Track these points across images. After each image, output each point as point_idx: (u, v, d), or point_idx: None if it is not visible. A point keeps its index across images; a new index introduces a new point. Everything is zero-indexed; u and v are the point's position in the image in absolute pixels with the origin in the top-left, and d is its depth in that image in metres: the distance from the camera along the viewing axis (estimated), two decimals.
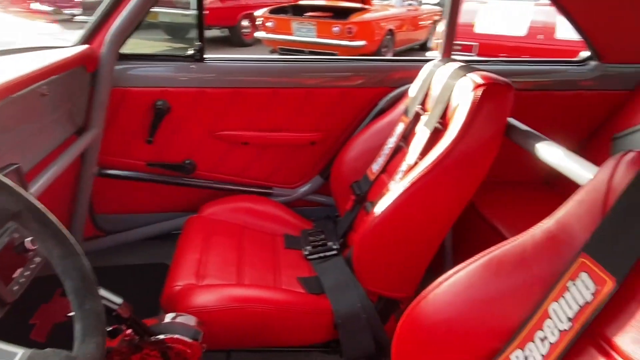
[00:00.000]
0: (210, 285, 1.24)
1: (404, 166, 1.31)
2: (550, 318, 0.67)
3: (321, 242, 1.51)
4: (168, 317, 1.06)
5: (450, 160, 1.14)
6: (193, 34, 1.65)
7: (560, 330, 0.65)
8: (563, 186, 1.77)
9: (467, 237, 1.56)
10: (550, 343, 0.66)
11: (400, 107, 1.52)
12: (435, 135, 1.25)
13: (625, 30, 1.66)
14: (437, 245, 1.24)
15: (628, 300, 0.60)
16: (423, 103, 1.40)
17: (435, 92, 1.34)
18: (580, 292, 0.65)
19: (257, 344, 1.22)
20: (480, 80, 1.16)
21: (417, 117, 1.41)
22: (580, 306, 0.64)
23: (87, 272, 0.60)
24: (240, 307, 1.18)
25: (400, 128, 1.45)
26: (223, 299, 1.19)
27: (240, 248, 1.44)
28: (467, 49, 4.87)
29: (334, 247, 1.47)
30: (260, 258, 1.43)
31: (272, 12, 6.99)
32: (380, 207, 1.18)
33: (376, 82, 1.67)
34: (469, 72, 1.23)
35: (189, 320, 1.06)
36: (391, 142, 1.46)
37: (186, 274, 1.28)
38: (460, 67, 1.29)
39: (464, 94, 1.17)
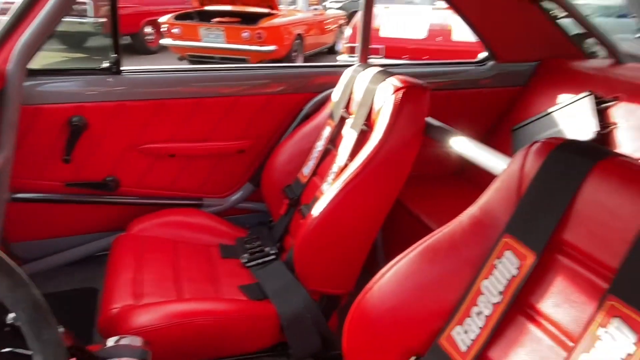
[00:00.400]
0: (150, 304, 1.21)
1: (335, 168, 1.37)
2: (483, 294, 0.76)
3: (258, 249, 1.52)
4: (111, 341, 1.02)
5: (379, 160, 1.21)
6: (92, 42, 1.58)
7: (492, 304, 0.74)
8: (472, 176, 1.94)
9: (395, 230, 1.66)
10: (486, 316, 0.75)
11: (325, 111, 1.58)
12: (362, 137, 1.32)
13: (515, 32, 1.87)
14: (372, 241, 1.31)
15: (547, 270, 0.70)
16: (347, 107, 1.47)
17: (357, 96, 1.42)
18: (507, 268, 0.74)
19: (206, 356, 1.21)
20: (399, 84, 1.25)
21: (342, 120, 1.48)
22: (508, 280, 0.73)
23: (39, 301, 0.58)
24: (184, 322, 1.16)
25: (327, 131, 1.51)
26: (165, 316, 1.16)
27: (176, 263, 1.42)
28: (375, 51, 5.11)
29: (272, 252, 1.50)
30: (198, 271, 1.41)
31: (177, 18, 6.80)
32: (317, 209, 1.23)
33: (299, 88, 1.72)
34: (388, 76, 1.32)
35: (134, 341, 1.03)
36: (320, 146, 1.51)
37: (122, 295, 1.24)
38: (380, 72, 1.38)
39: (386, 97, 1.26)
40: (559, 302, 0.67)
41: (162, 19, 6.86)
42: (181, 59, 7.06)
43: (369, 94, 1.35)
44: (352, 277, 1.34)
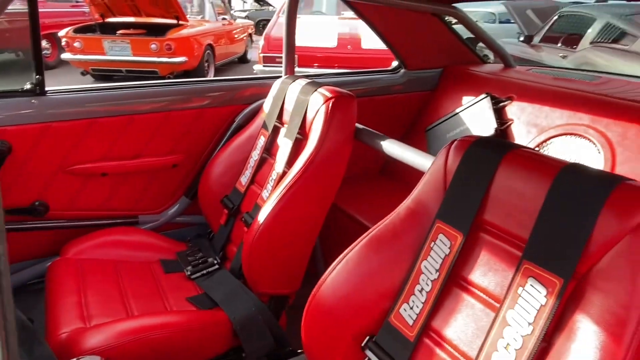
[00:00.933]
0: (100, 325, 1.21)
1: (273, 175, 1.45)
2: (423, 273, 0.89)
3: (201, 260, 1.55)
4: None
5: (315, 165, 1.32)
6: None
7: (431, 280, 0.87)
8: (395, 173, 2.12)
9: (331, 230, 1.77)
10: (427, 292, 0.87)
11: (257, 122, 1.66)
12: (298, 145, 1.42)
13: (422, 43, 2.07)
14: (314, 242, 1.41)
15: (473, 246, 0.84)
16: (280, 117, 1.56)
17: (289, 106, 1.51)
18: (441, 248, 0.87)
19: None
20: (328, 94, 1.36)
21: (276, 130, 1.56)
22: (442, 259, 0.87)
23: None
24: (138, 338, 1.18)
25: (261, 141, 1.58)
26: (118, 334, 1.17)
27: (119, 282, 1.41)
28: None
29: (215, 262, 1.54)
30: (143, 287, 1.42)
31: (77, 31, 6.45)
32: (262, 215, 1.30)
33: (229, 100, 1.78)
34: (317, 87, 1.43)
35: None
36: (255, 155, 1.58)
37: (69, 319, 1.22)
38: (309, 83, 1.49)
39: (317, 106, 1.36)
40: (485, 272, 0.82)
41: (61, 33, 6.47)
42: (84, 73, 6.69)
43: (300, 104, 1.44)
44: (298, 277, 1.42)
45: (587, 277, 0.68)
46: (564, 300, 0.69)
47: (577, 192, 0.71)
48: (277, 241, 1.32)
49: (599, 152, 1.44)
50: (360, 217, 1.73)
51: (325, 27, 5.58)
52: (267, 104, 1.64)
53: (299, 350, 1.27)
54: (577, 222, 0.69)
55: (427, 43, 2.08)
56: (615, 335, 0.62)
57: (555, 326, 0.70)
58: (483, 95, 1.83)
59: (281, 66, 1.82)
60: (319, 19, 5.84)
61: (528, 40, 5.41)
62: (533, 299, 0.71)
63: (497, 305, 0.77)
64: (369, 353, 0.91)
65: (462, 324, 0.82)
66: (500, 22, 9.52)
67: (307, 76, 1.71)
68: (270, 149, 1.57)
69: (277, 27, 5.56)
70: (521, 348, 0.71)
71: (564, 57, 4.62)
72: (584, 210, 0.69)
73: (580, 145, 1.51)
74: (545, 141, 1.61)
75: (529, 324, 0.71)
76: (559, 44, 4.94)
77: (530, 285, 0.72)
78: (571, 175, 0.73)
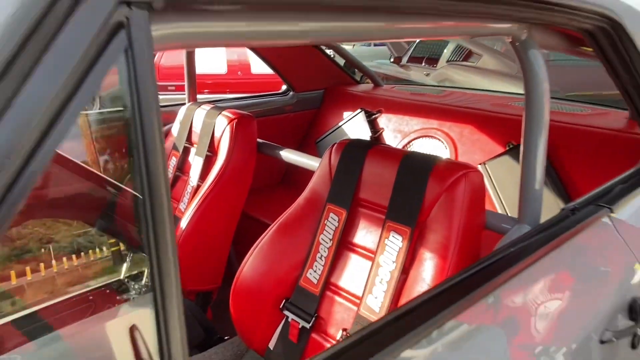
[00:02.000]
0: None
1: (188, 189, 1.67)
2: (320, 244, 1.18)
3: None
4: None
5: (226, 177, 1.57)
6: None
7: (327, 248, 1.17)
8: (294, 181, 2.42)
9: (242, 233, 2.01)
10: (325, 257, 1.17)
11: (167, 144, 1.86)
12: (208, 161, 1.66)
13: (305, 68, 2.42)
14: (230, 242, 1.65)
15: (354, 218, 1.16)
16: (189, 139, 1.78)
17: (197, 129, 1.75)
18: (332, 223, 1.17)
19: None
20: (232, 116, 1.63)
21: (186, 150, 1.78)
22: (333, 230, 1.17)
23: None
24: None
25: (173, 161, 1.79)
26: None
27: None
28: (180, 88, 5.36)
29: None
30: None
31: None
32: (183, 223, 1.51)
33: None
34: (221, 111, 1.68)
35: None
36: (169, 174, 1.78)
37: None
38: (213, 108, 1.74)
39: (223, 127, 1.62)
40: (363, 234, 1.13)
41: None
42: None
43: (207, 126, 1.69)
44: (219, 274, 1.65)
45: (425, 224, 1.02)
46: (413, 242, 1.03)
47: (414, 170, 1.06)
48: (198, 244, 1.54)
49: (446, 148, 1.88)
50: (266, 220, 2.00)
51: (214, 54, 5.80)
52: (175, 128, 1.85)
53: (226, 337, 1.49)
54: (415, 189, 1.04)
55: (309, 68, 2.43)
56: (442, 256, 0.96)
57: (410, 261, 1.03)
58: (358, 111, 2.22)
59: (170, 94, 2.04)
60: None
61: (397, 61, 6.13)
62: (394, 245, 1.04)
63: (373, 255, 1.09)
64: (286, 312, 1.18)
65: (351, 275, 1.13)
66: (375, 45, 10.53)
67: (209, 102, 1.95)
68: (182, 167, 1.78)
69: (165, 57, 5.65)
70: (390, 280, 1.03)
71: (427, 74, 5.34)
72: (418, 180, 1.04)
73: (433, 144, 1.94)
74: (408, 143, 2.02)
75: (393, 262, 1.03)
76: (423, 64, 5.70)
77: (392, 236, 1.05)
78: (409, 159, 1.08)
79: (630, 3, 1.05)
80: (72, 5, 0.35)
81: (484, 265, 0.73)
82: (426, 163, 1.05)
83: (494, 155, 1.72)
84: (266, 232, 1.25)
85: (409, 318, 0.62)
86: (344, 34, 0.66)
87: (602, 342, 0.75)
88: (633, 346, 0.86)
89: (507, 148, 1.72)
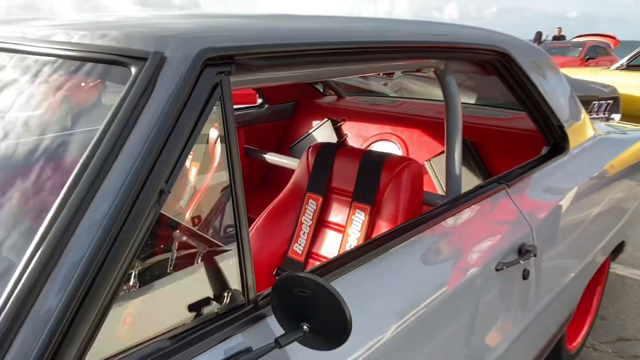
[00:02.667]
0: None
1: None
2: (303, 224, 1.54)
3: None
4: None
5: None
6: None
7: (308, 226, 1.53)
8: (271, 183, 2.77)
9: None
10: (307, 233, 1.53)
11: None
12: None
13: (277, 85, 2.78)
14: None
15: (329, 202, 1.53)
16: None
17: None
18: (311, 206, 1.54)
19: None
20: None
21: None
22: (312, 212, 1.53)
23: None
24: None
25: None
26: None
27: None
28: None
29: None
30: None
31: None
32: None
33: None
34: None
35: None
36: None
37: None
38: None
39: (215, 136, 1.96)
40: (336, 214, 1.51)
41: None
42: None
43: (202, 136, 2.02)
44: None
45: (381, 203, 1.40)
46: (372, 216, 1.40)
47: (371, 164, 1.44)
48: None
49: (399, 149, 2.28)
50: (251, 215, 2.34)
51: None
52: None
53: None
54: (373, 177, 1.42)
55: (281, 84, 2.79)
56: (393, 225, 1.34)
57: (371, 230, 1.40)
58: (325, 120, 2.60)
59: None
60: None
61: None
62: (358, 219, 1.42)
63: (343, 229, 1.46)
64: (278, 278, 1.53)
65: (327, 245, 1.50)
66: None
67: None
68: None
69: None
70: (356, 245, 1.40)
71: (385, 84, 5.81)
72: (375, 171, 1.42)
73: (388, 146, 2.34)
74: (368, 145, 2.42)
75: (358, 231, 1.41)
76: (381, 75, 6.17)
77: (357, 213, 1.43)
78: (368, 156, 1.46)
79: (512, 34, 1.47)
80: (195, 81, 0.70)
81: (413, 221, 1.10)
82: (380, 158, 1.43)
83: (436, 154, 2.13)
84: (259, 217, 1.60)
85: (361, 252, 0.98)
86: (334, 74, 1.05)
87: (496, 269, 1.14)
88: (524, 277, 1.26)
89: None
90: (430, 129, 2.22)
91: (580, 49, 12.43)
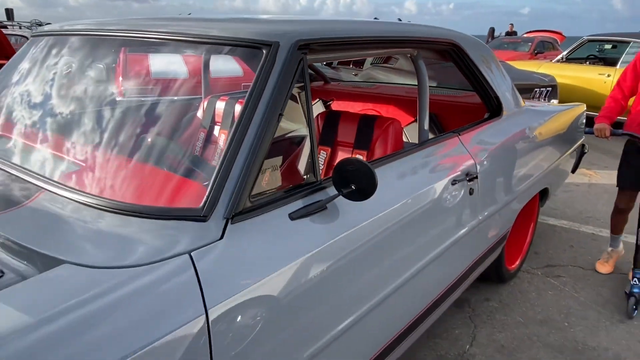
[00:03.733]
0: None
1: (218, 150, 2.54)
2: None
3: None
4: None
5: None
6: None
7: (320, 169, 2.12)
8: None
9: None
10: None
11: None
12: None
13: None
14: None
15: (335, 151, 2.12)
16: (213, 120, 2.65)
17: (219, 112, 2.62)
18: (322, 156, 2.13)
19: None
20: None
21: (212, 127, 2.65)
22: (323, 160, 2.12)
23: None
24: None
25: (202, 136, 2.65)
26: None
27: None
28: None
29: None
30: None
31: None
32: None
33: None
34: (236, 100, 2.58)
35: None
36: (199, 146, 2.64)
37: None
38: (230, 98, 2.62)
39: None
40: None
41: None
42: None
43: (227, 111, 2.57)
44: None
45: (374, 148, 2.00)
46: (368, 159, 2.00)
47: (366, 122, 2.04)
48: None
49: None
50: None
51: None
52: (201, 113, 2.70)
53: None
54: (368, 131, 2.02)
55: None
56: None
57: None
58: (317, 100, 3.19)
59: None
60: None
61: (329, 64, 7.19)
62: None
63: None
64: None
65: None
66: None
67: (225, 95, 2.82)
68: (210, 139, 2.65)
69: None
70: None
71: (355, 74, 6.45)
72: (369, 127, 2.02)
73: None
74: None
75: None
76: (351, 66, 6.80)
77: (353, 155, 2.03)
78: (363, 117, 2.07)
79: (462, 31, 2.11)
80: (292, 57, 1.27)
81: (396, 153, 1.71)
82: (373, 118, 2.04)
83: (408, 123, 2.76)
84: (283, 165, 2.18)
85: None
86: (358, 56, 1.65)
87: (452, 184, 1.76)
88: (470, 193, 1.90)
89: (415, 119, 2.76)
90: (402, 105, 2.85)
91: (530, 44, 13.44)
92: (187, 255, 0.98)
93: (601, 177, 4.88)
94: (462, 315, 2.48)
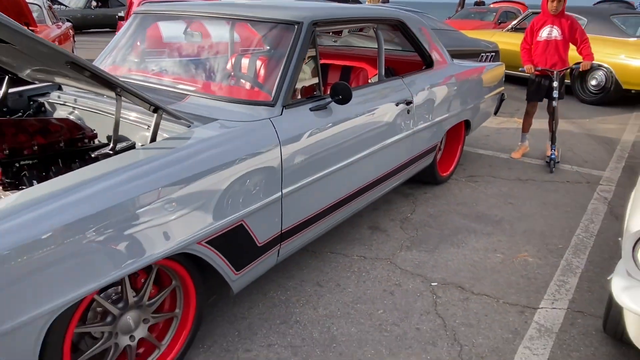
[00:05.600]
0: None
1: None
2: None
3: None
4: None
5: None
6: None
7: None
8: None
9: None
10: None
11: None
12: None
13: None
14: None
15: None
16: None
17: None
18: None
19: None
20: None
21: None
22: None
23: None
24: None
25: None
26: None
27: None
28: None
29: None
30: None
31: None
32: None
33: None
34: None
35: None
36: None
37: None
38: None
39: None
40: None
41: None
42: None
43: None
44: None
45: (350, 85, 3.25)
46: None
47: (346, 69, 3.27)
48: None
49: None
50: None
51: None
52: None
53: None
54: (348, 75, 3.25)
55: None
56: None
57: None
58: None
59: None
60: None
61: None
62: None
63: None
64: None
65: None
66: None
67: None
68: None
69: None
70: None
71: (335, 41, 7.59)
72: (349, 72, 3.25)
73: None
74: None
75: None
76: (331, 34, 7.95)
77: None
78: (344, 67, 3.29)
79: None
80: (307, 31, 2.47)
81: (360, 86, 2.95)
82: (349, 68, 3.28)
83: (373, 75, 4.01)
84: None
85: None
86: (347, 28, 2.87)
87: (396, 105, 3.02)
88: (408, 112, 3.16)
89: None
90: (369, 61, 4.08)
91: (495, 13, 14.66)
92: (268, 120, 2.21)
93: None
94: (407, 201, 3.81)
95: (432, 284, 2.72)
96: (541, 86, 4.60)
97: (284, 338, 2.26)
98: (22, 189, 1.86)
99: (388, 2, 19.48)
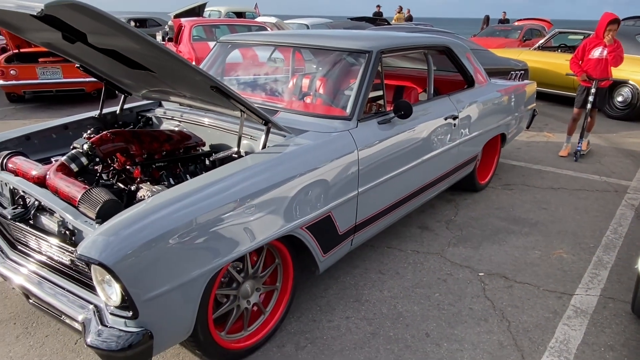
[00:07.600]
0: None
1: None
2: None
3: None
4: None
5: None
6: None
7: None
8: None
9: None
10: None
11: None
12: None
13: None
14: None
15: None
16: None
17: None
18: None
19: None
20: None
21: None
22: None
23: None
24: None
25: None
26: None
27: None
28: None
29: None
30: None
31: (7, 61, 7.73)
32: None
33: None
34: None
35: None
36: None
37: None
38: None
39: None
40: None
41: None
42: (14, 96, 7.97)
43: None
44: None
45: None
46: None
47: (398, 91, 3.76)
48: None
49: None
50: None
51: None
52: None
53: None
54: (399, 94, 3.73)
55: None
56: None
57: None
58: None
59: None
60: None
61: None
62: None
63: None
64: None
65: None
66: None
67: None
68: None
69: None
70: None
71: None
72: (400, 91, 3.74)
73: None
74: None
75: None
76: None
77: None
78: (397, 87, 3.78)
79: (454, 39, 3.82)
80: (376, 57, 2.97)
81: (414, 103, 3.42)
82: (402, 87, 3.76)
83: (419, 92, 4.49)
84: None
85: None
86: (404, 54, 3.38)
87: (444, 119, 3.47)
88: (454, 126, 3.62)
89: (423, 89, 4.48)
90: (415, 80, 4.56)
91: (520, 31, 15.02)
92: (347, 131, 2.70)
93: (556, 137, 6.62)
94: (450, 205, 4.24)
95: (480, 273, 3.14)
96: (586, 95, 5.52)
97: (359, 313, 2.71)
98: (164, 184, 2.38)
99: (412, 19, 20.27)
